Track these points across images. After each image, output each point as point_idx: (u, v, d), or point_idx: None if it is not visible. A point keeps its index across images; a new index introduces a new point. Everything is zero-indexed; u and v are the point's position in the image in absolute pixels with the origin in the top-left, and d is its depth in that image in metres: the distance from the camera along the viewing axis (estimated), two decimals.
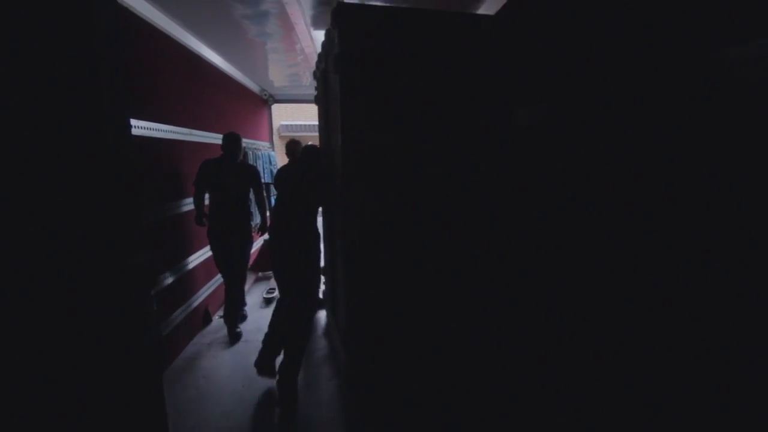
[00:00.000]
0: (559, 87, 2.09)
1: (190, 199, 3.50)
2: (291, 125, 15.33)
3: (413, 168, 2.33)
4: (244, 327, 3.76)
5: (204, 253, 3.83)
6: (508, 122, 2.42)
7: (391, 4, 2.67)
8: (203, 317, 3.77)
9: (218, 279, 4.19)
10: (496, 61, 2.38)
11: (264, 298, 4.41)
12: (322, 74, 3.12)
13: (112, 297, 1.11)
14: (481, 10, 3.03)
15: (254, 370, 2.90)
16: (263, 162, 6.04)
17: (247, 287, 4.77)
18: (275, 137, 15.15)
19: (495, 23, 2.44)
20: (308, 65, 4.83)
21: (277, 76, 5.58)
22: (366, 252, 2.33)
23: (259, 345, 2.98)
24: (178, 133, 3.37)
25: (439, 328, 2.42)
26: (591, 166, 1.82)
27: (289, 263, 2.61)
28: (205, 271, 3.86)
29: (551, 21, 2.17)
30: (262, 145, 6.34)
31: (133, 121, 2.66)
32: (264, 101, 6.67)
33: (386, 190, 2.31)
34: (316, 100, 3.47)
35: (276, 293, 4.48)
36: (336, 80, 2.29)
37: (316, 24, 3.57)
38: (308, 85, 6.07)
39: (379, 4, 2.98)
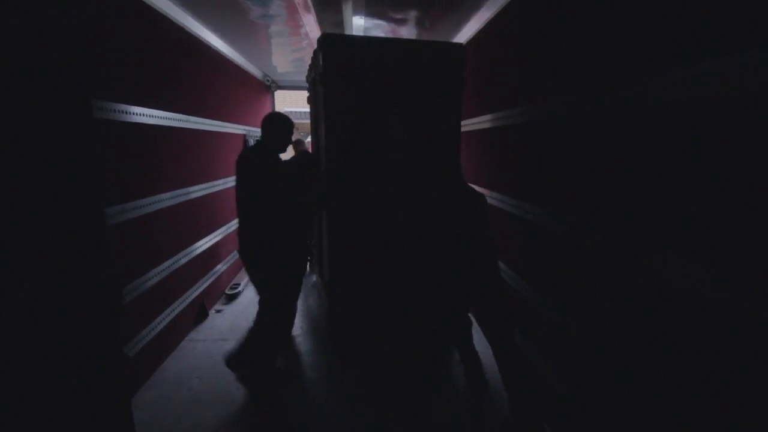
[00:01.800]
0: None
1: (183, 190, 3.34)
2: (295, 112, 15.08)
3: (378, 155, 2.99)
4: (218, 325, 3.64)
5: (201, 245, 3.68)
6: (448, 127, 3.09)
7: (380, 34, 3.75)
8: (198, 312, 3.63)
9: (216, 271, 4.05)
10: (440, 80, 3.01)
11: (226, 294, 4.28)
12: (311, 82, 3.68)
13: (67, 318, 0.94)
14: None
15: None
16: None
17: (246, 277, 4.65)
18: None
19: (442, 49, 3.05)
20: (313, 50, 4.60)
21: (281, 62, 5.36)
22: (344, 220, 3.02)
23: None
24: (172, 119, 3.19)
25: (397, 277, 3.06)
26: None
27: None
28: (201, 263, 3.72)
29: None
30: None
31: (118, 105, 2.48)
32: (267, 87, 6.45)
33: (358, 171, 2.98)
34: (308, 101, 4.01)
35: (240, 288, 4.34)
36: (321, 90, 3.03)
37: (321, 8, 3.39)
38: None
39: (356, 34, 3.87)
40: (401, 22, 3.76)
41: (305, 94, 4.46)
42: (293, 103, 15.05)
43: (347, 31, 3.77)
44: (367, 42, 3.25)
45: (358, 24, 3.74)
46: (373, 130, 2.97)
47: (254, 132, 5.43)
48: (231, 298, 4.16)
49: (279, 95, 6.99)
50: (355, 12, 3.44)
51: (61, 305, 0.93)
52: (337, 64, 2.86)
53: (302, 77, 6.26)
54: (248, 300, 4.17)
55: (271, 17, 3.56)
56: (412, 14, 3.56)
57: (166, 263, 3.05)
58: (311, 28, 3.79)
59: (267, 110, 6.60)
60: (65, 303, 0.94)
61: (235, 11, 3.36)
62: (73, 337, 0.96)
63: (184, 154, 3.42)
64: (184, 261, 3.35)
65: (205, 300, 3.78)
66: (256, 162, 2.57)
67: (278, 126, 2.73)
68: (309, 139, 4.47)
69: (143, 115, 2.73)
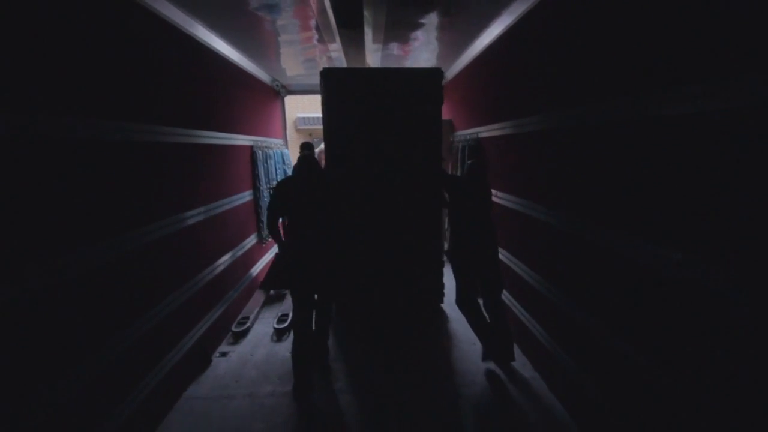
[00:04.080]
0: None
1: (176, 217, 2.81)
2: (309, 118, 14.58)
3: (372, 162, 3.63)
4: (222, 375, 3.07)
5: (203, 278, 3.14)
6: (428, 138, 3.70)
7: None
8: (199, 359, 3.08)
9: (221, 306, 3.52)
10: (423, 98, 3.61)
11: (275, 328, 3.69)
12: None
13: None
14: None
15: None
16: (275, 162, 5.32)
17: (256, 309, 4.11)
18: (291, 131, 14.46)
19: (423, 73, 3.65)
20: (325, 48, 4.05)
21: (290, 64, 4.82)
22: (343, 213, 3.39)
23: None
24: (170, 134, 2.67)
25: (384, 268, 3.84)
26: None
27: (318, 275, 2.94)
28: (203, 299, 3.18)
29: None
30: (274, 142, 5.61)
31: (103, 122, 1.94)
32: (276, 93, 5.92)
33: (355, 175, 3.63)
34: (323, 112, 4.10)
35: (288, 321, 3.78)
36: (324, 110, 3.66)
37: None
38: None
39: (352, 67, 4.61)
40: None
41: (317, 98, 4.00)
42: (305, 108, 14.57)
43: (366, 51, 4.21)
44: (360, 72, 3.90)
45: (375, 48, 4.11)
46: (368, 142, 3.62)
47: (262, 143, 4.89)
48: (238, 336, 3.60)
49: (290, 101, 6.48)
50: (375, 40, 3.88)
51: None
52: (336, 93, 3.56)
53: (314, 80, 5.73)
54: (258, 337, 3.62)
55: (276, 10, 3.01)
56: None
57: (160, 306, 2.51)
58: (322, 19, 3.23)
59: (277, 118, 6.08)
60: None
61: (236, 4, 2.83)
62: None
63: (179, 174, 2.90)
64: (182, 299, 2.81)
65: (208, 342, 3.24)
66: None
67: (312, 158, 3.03)
68: (322, 145, 4.21)
69: (133, 131, 2.20)
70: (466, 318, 3.15)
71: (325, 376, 3.04)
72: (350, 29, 3.39)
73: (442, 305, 4.15)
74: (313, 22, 3.31)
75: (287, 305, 4.14)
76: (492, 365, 3.10)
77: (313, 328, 3.02)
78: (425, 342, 3.53)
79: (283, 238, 3.04)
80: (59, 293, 1.77)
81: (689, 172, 1.53)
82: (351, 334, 3.71)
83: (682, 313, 1.60)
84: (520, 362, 3.10)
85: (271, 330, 3.71)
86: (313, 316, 3.00)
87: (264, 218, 4.77)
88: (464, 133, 4.73)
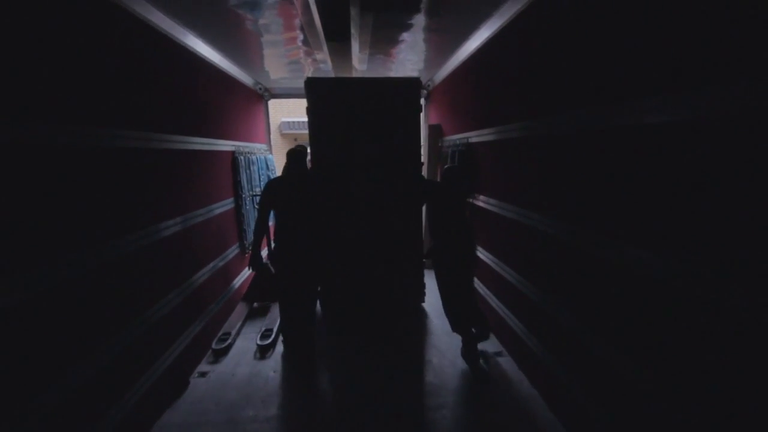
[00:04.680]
0: None
1: (152, 228, 2.60)
2: (294, 122, 14.34)
3: (351, 165, 3.82)
4: (200, 398, 2.86)
5: (180, 293, 2.93)
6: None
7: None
8: (175, 382, 2.85)
9: (200, 322, 3.30)
10: (402, 105, 3.83)
11: (259, 345, 3.48)
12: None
13: None
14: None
15: None
16: (259, 168, 5.12)
17: (238, 323, 3.90)
18: (275, 136, 14.21)
19: (402, 82, 3.88)
20: (310, 50, 3.89)
21: (274, 66, 4.63)
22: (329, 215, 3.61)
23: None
24: (142, 139, 2.47)
25: (370, 270, 4.02)
26: None
27: (306, 275, 3.19)
28: (180, 316, 2.96)
29: None
30: (258, 147, 5.41)
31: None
32: (259, 96, 5.72)
33: (337, 178, 3.79)
34: (307, 111, 4.00)
35: (273, 336, 3.58)
36: (309, 117, 3.82)
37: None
38: (311, 75, 5.12)
39: (334, 76, 4.81)
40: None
41: (305, 102, 3.90)
42: (291, 112, 14.35)
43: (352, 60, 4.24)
44: (342, 81, 4.08)
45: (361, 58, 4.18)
46: (351, 148, 3.81)
47: (245, 148, 4.69)
48: (219, 354, 3.38)
49: (274, 104, 6.28)
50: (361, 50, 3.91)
51: None
52: (320, 101, 3.77)
53: (299, 83, 5.56)
54: (240, 354, 3.41)
55: (257, 7, 2.85)
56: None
57: (131, 327, 2.30)
58: (307, 19, 3.07)
59: (261, 122, 5.87)
60: None
61: (213, 4, 2.65)
62: None
63: (153, 182, 2.69)
64: (157, 317, 2.60)
65: (185, 362, 3.02)
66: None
67: (305, 156, 3.30)
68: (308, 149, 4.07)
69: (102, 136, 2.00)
70: (448, 317, 3.32)
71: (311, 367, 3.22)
72: (338, 42, 3.43)
73: (423, 304, 4.39)
74: (297, 22, 3.15)
75: (271, 319, 3.94)
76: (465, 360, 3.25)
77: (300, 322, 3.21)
78: (406, 337, 3.74)
79: (272, 239, 3.28)
80: (12, 316, 1.56)
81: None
82: (335, 330, 3.93)
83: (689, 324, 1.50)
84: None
85: (254, 346, 3.50)
86: (300, 310, 3.17)
87: (246, 226, 4.57)
88: (453, 138, 4.62)
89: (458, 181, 3.34)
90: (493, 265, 3.50)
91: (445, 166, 3.61)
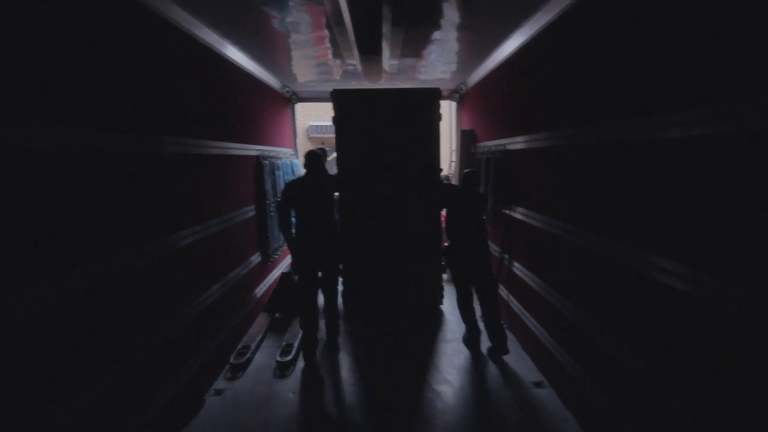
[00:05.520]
0: None
1: (174, 235, 2.45)
2: (321, 126, 14.30)
3: (374, 171, 4.06)
4: (215, 421, 2.67)
5: (201, 303, 2.78)
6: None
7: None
8: (189, 401, 2.69)
9: (219, 335, 3.14)
10: (423, 115, 4.07)
11: (278, 361, 3.29)
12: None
13: None
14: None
15: None
16: (284, 173, 4.97)
17: (258, 336, 3.73)
18: (303, 139, 14.22)
19: (423, 93, 4.11)
20: (338, 50, 3.69)
21: (302, 68, 4.49)
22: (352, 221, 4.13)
23: None
24: (160, 144, 2.33)
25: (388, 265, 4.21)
26: None
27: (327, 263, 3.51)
28: (198, 330, 2.81)
29: None
30: (284, 152, 5.28)
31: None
32: (286, 99, 5.60)
33: (360, 182, 4.07)
34: (333, 120, 4.16)
35: (293, 352, 3.39)
36: (335, 125, 4.10)
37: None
38: (339, 79, 4.95)
39: (359, 88, 4.73)
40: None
41: (330, 106, 4.00)
42: (318, 115, 14.31)
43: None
44: (367, 92, 4.22)
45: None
46: (375, 154, 4.04)
47: (270, 153, 4.55)
48: (237, 369, 3.21)
49: (302, 108, 6.16)
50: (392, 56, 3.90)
51: None
52: (344, 111, 4.02)
53: (326, 87, 5.41)
54: (258, 371, 3.23)
55: (285, 7, 2.68)
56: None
57: (144, 343, 2.14)
58: (336, 18, 2.88)
59: (287, 126, 5.75)
60: None
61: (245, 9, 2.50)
62: None
63: (171, 190, 2.55)
64: (172, 333, 2.44)
65: (201, 378, 2.86)
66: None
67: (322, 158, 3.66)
68: (334, 153, 4.40)
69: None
70: (461, 315, 3.56)
71: (334, 353, 3.54)
72: (370, 54, 3.54)
73: (441, 306, 4.45)
74: (325, 20, 2.96)
75: (292, 333, 3.75)
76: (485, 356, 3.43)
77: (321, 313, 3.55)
78: (424, 337, 3.83)
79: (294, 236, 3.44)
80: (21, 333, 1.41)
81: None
82: (356, 329, 4.05)
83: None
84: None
85: (274, 363, 3.31)
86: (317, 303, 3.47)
87: (270, 234, 4.42)
88: (488, 145, 4.33)
89: (476, 185, 3.57)
90: (533, 284, 3.19)
91: (465, 171, 3.69)
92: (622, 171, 2.06)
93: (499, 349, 3.31)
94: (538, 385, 2.99)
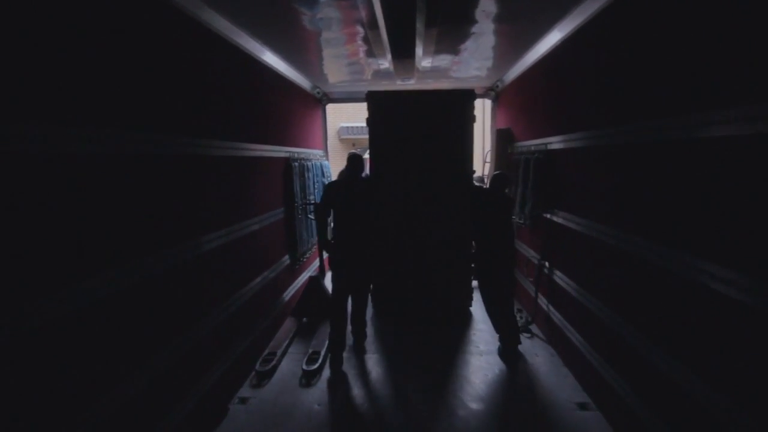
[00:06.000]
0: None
1: (199, 239, 2.39)
2: (352, 127, 14.28)
3: (406, 172, 4.04)
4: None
5: (226, 310, 2.72)
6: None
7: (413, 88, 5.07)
8: (212, 410, 2.62)
9: (241, 344, 3.07)
10: (456, 116, 3.99)
11: (304, 370, 3.19)
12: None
13: None
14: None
15: None
16: (314, 175, 4.90)
17: (285, 342, 3.65)
18: (334, 141, 14.24)
19: (456, 94, 4.04)
20: (371, 50, 3.56)
21: (333, 69, 4.40)
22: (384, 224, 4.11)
23: None
24: (185, 145, 2.28)
25: (416, 268, 4.19)
26: None
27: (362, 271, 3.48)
28: (223, 337, 2.75)
29: None
30: (314, 153, 5.21)
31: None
32: (317, 100, 5.54)
33: (393, 181, 4.04)
34: (367, 122, 4.13)
35: (320, 360, 3.28)
36: (369, 127, 4.09)
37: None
38: (370, 79, 4.82)
39: (393, 90, 4.81)
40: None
41: (364, 106, 4.00)
42: (350, 117, 14.29)
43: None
44: (401, 94, 4.22)
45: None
46: (407, 156, 4.01)
47: (300, 154, 4.49)
48: (263, 376, 3.13)
49: (332, 110, 6.09)
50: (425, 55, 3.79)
51: None
52: (378, 113, 4.00)
53: (358, 88, 5.30)
54: (284, 379, 3.13)
55: (317, 4, 2.57)
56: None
57: (166, 351, 2.09)
58: (368, 16, 2.75)
59: (318, 127, 5.69)
60: None
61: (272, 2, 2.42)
62: None
63: (197, 192, 2.50)
64: (197, 338, 2.38)
65: (226, 385, 2.80)
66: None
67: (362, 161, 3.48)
68: (367, 153, 4.43)
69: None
70: (490, 319, 3.54)
71: (360, 360, 3.42)
72: (404, 58, 3.53)
73: (470, 308, 4.40)
74: (357, 16, 2.83)
75: (319, 340, 3.65)
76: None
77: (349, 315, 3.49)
78: (455, 346, 3.69)
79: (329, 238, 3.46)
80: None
81: None
82: (383, 335, 3.96)
83: None
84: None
85: (300, 371, 3.21)
86: (349, 304, 3.43)
87: (298, 237, 4.36)
88: (527, 144, 4.07)
89: (503, 188, 3.56)
90: (575, 294, 2.92)
91: (494, 173, 3.71)
92: (696, 173, 1.79)
93: (510, 341, 3.36)
94: (582, 407, 2.73)
